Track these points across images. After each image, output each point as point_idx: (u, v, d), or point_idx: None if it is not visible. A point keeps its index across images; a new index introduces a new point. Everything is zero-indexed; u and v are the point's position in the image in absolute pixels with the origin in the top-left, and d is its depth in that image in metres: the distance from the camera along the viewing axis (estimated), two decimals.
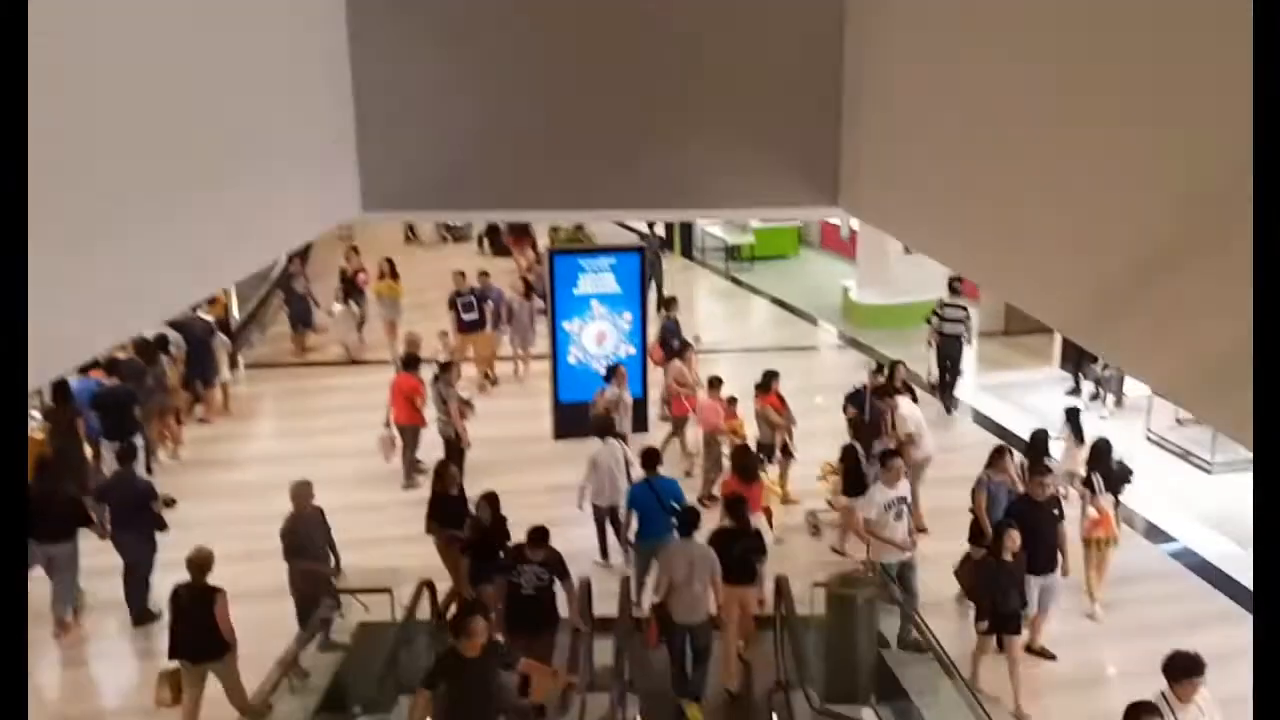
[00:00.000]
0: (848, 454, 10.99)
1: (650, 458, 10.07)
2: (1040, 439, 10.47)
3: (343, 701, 8.15)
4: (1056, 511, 9.24)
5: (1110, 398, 14.41)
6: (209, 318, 14.76)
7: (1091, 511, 9.89)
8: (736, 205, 6.69)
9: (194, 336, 14.11)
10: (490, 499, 9.06)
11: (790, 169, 6.23)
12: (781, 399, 11.95)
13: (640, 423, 13.32)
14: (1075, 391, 14.54)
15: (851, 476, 10.78)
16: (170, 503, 10.46)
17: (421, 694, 6.75)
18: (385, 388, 13.37)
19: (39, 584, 9.40)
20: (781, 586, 8.51)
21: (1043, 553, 8.91)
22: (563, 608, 8.46)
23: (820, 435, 12.48)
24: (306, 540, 8.87)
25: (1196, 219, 2.52)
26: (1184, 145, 2.55)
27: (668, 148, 6.13)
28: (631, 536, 10.03)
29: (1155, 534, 10.96)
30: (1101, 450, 10.43)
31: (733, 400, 12.42)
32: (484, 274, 16.69)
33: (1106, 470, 10.23)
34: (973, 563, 9.35)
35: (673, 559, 8.40)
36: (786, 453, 11.99)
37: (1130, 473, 10.43)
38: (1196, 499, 12.01)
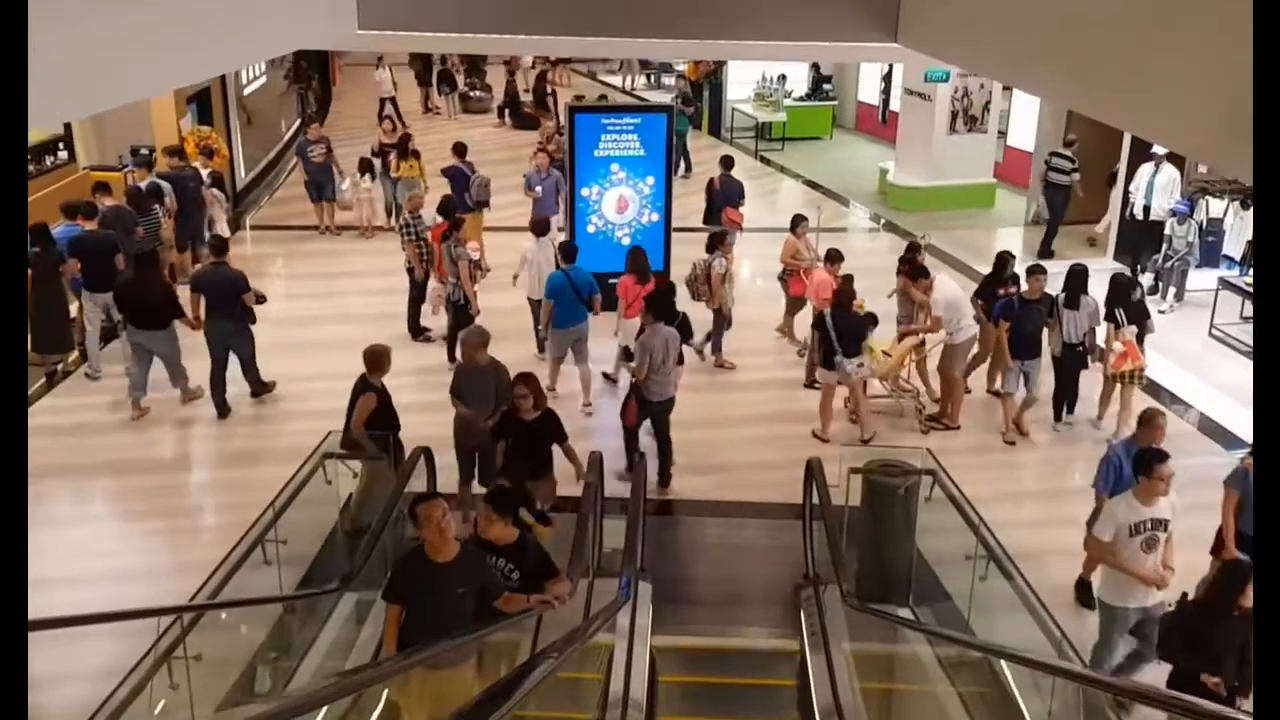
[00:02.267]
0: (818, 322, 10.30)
1: (567, 250, 10.57)
2: (1125, 283, 10.16)
3: (325, 574, 7.51)
4: None
5: (1171, 290, 13.33)
6: (205, 171, 13.89)
7: (1118, 345, 9.78)
8: (787, 37, 5.85)
9: (185, 189, 13.24)
10: (533, 480, 7.48)
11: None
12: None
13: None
14: (1133, 284, 13.54)
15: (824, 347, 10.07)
16: (262, 298, 10.33)
17: (391, 610, 5.61)
18: (391, 255, 12.58)
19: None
20: (813, 470, 7.70)
21: None
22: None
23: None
24: (472, 388, 8.47)
25: None
26: None
27: None
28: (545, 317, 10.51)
29: (1219, 435, 10.12)
30: (1121, 285, 10.28)
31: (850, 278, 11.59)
32: (542, 149, 14.72)
33: (1126, 303, 10.01)
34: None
35: (653, 341, 8.82)
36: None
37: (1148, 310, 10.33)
38: None
